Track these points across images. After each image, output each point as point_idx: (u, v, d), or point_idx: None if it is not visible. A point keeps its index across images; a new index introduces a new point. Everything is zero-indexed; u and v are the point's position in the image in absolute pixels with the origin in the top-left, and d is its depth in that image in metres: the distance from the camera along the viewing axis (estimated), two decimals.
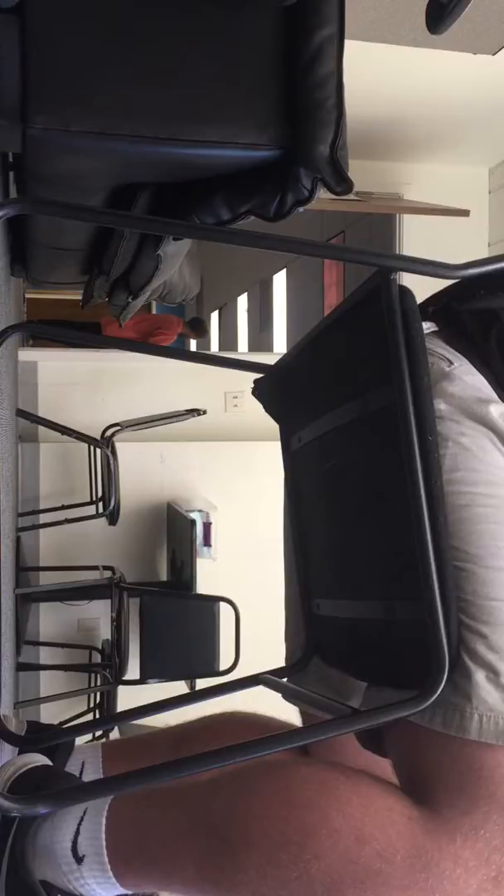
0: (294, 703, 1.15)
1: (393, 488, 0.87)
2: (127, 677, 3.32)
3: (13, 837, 0.99)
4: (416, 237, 4.92)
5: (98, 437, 3.52)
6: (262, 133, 1.68)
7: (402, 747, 0.91)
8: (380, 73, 3.72)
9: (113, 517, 3.54)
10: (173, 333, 5.69)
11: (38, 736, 1.20)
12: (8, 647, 2.34)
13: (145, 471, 4.09)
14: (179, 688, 3.38)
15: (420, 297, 0.96)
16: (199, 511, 3.88)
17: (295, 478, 1.19)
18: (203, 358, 1.73)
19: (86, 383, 4.21)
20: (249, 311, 9.67)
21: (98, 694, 3.54)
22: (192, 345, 6.40)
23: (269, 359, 1.30)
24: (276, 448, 1.22)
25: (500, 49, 3.46)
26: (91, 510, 3.66)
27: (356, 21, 3.02)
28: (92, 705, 3.62)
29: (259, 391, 1.24)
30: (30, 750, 1.14)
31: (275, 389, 1.22)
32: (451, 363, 0.95)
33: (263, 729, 1.17)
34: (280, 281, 8.44)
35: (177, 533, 3.84)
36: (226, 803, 0.92)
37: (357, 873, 0.83)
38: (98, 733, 2.38)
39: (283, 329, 8.30)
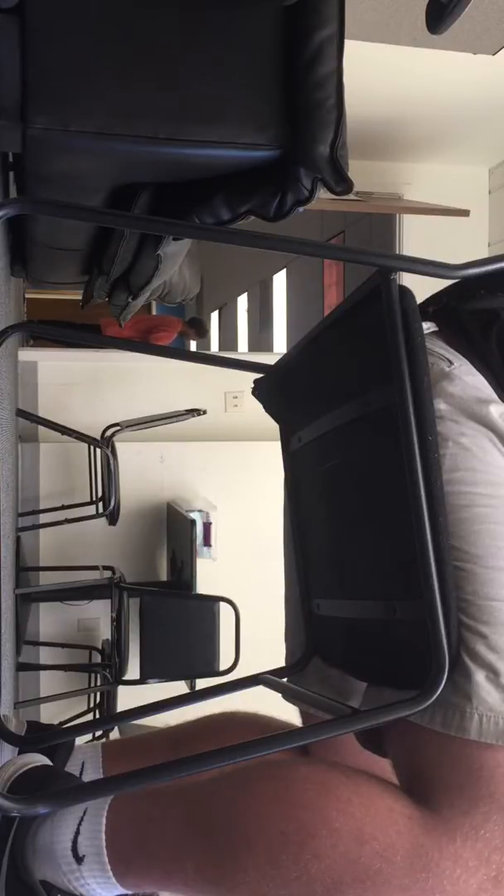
0: (294, 703, 1.15)
1: (393, 488, 0.87)
2: (127, 677, 3.32)
3: (13, 837, 0.99)
4: (416, 237, 4.92)
5: (98, 437, 3.52)
6: (262, 133, 1.68)
7: (402, 747, 0.91)
8: (380, 73, 3.72)
9: (113, 517, 3.54)
10: (173, 332, 5.68)
11: (38, 736, 1.20)
12: (8, 647, 2.34)
13: (145, 471, 4.08)
14: (179, 688, 3.38)
15: (420, 297, 0.96)
16: (199, 511, 3.88)
17: (295, 478, 1.19)
18: (203, 358, 1.73)
19: (86, 383, 4.21)
20: (249, 311, 9.68)
21: (98, 694, 3.54)
22: (192, 345, 6.39)
23: (269, 359, 1.30)
24: (276, 448, 1.22)
25: (500, 49, 3.46)
26: (91, 510, 3.65)
27: (356, 21, 3.02)
28: (92, 705, 3.62)
29: (259, 391, 1.24)
30: (30, 750, 1.14)
31: (275, 389, 1.22)
32: (451, 363, 0.95)
33: (263, 729, 1.17)
34: (280, 281, 8.44)
35: (177, 533, 3.84)
36: (226, 803, 0.92)
37: (357, 873, 0.83)
38: (98, 733, 2.39)
39: (283, 329, 8.31)
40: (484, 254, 4.42)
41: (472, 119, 4.31)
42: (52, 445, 4.03)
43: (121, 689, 3.34)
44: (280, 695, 1.11)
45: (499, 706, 0.83)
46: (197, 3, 1.66)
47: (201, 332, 6.15)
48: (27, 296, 6.29)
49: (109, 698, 3.38)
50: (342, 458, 1.04)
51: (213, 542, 3.89)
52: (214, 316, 10.60)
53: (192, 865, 0.91)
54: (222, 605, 3.27)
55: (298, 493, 1.18)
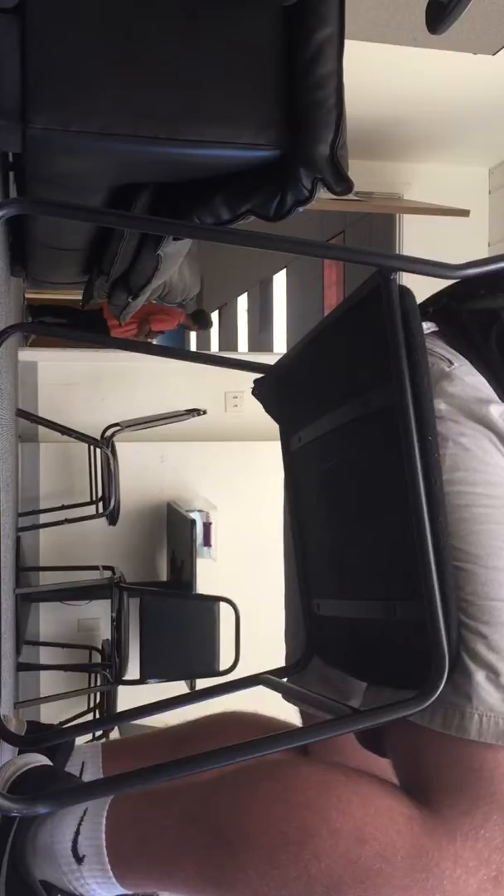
0: (294, 703, 1.15)
1: (393, 488, 0.87)
2: (127, 677, 3.32)
3: (13, 837, 0.99)
4: (416, 237, 4.92)
5: (98, 437, 3.52)
6: (262, 133, 1.68)
7: (402, 747, 0.91)
8: (380, 73, 3.72)
9: (113, 517, 3.54)
10: (174, 320, 5.64)
11: (38, 736, 1.20)
12: (8, 647, 2.34)
13: (145, 471, 4.09)
14: (179, 688, 3.38)
15: (420, 297, 0.96)
16: (199, 511, 3.88)
17: (295, 478, 1.19)
18: (203, 358, 1.73)
19: (86, 383, 4.21)
20: (249, 311, 9.68)
21: (98, 694, 3.55)
22: (192, 342, 6.38)
23: (269, 359, 1.30)
24: (276, 448, 1.22)
25: (500, 49, 3.46)
26: (91, 510, 3.66)
27: (356, 21, 3.01)
28: (92, 705, 3.62)
29: (259, 391, 1.24)
30: (30, 750, 1.14)
31: (275, 389, 1.22)
32: (451, 363, 0.95)
33: (264, 729, 1.16)
34: (280, 281, 8.44)
35: (177, 533, 3.84)
36: (226, 803, 0.92)
37: (357, 873, 0.83)
38: (98, 733, 2.39)
39: (283, 329, 8.31)
40: (484, 254, 4.42)
41: (472, 119, 4.31)
42: (52, 445, 4.03)
43: (121, 689, 3.34)
44: (280, 695, 1.11)
45: (499, 706, 0.83)
46: (197, 3, 1.66)
47: (204, 324, 6.13)
48: (27, 296, 6.28)
49: (109, 698, 3.38)
50: (342, 458, 1.04)
51: (213, 541, 3.89)
52: (214, 316, 10.60)
53: (192, 865, 0.92)
54: (222, 605, 3.27)
55: (298, 493, 1.18)
